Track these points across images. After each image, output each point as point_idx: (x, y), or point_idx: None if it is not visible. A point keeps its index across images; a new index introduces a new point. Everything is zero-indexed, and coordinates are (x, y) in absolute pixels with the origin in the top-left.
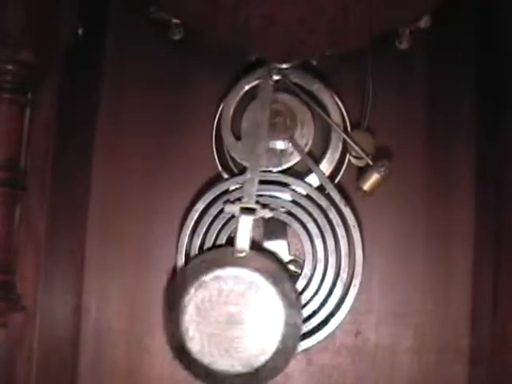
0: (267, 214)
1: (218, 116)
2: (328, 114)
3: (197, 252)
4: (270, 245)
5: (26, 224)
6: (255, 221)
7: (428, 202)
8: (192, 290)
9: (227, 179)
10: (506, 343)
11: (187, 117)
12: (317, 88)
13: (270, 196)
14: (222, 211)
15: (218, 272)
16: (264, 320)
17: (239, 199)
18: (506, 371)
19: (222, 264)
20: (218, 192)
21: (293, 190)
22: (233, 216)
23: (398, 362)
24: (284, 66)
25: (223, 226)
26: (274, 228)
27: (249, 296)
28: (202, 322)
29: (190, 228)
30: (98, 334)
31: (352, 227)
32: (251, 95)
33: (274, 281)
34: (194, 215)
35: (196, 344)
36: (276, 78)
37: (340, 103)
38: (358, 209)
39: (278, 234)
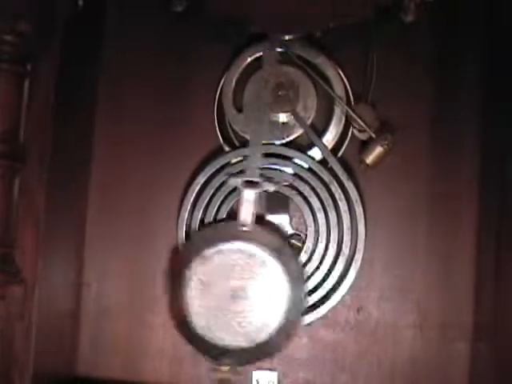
0: (270, 187)
1: (219, 88)
2: (331, 87)
3: (197, 226)
4: (271, 219)
5: (25, 197)
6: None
7: (432, 177)
8: (195, 265)
9: (229, 152)
10: (508, 319)
11: (189, 89)
12: (320, 61)
13: (272, 169)
14: (223, 184)
15: (221, 246)
16: (267, 295)
17: (242, 172)
18: (509, 348)
19: (225, 238)
20: (219, 165)
21: (295, 163)
22: (234, 189)
23: (400, 337)
24: (286, 37)
25: (224, 199)
26: (275, 202)
27: (252, 270)
28: (205, 296)
29: (191, 201)
30: (99, 309)
31: (354, 201)
32: (253, 67)
33: (278, 255)
34: (196, 188)
35: (199, 318)
36: (279, 50)
37: (343, 76)
38: (360, 183)
39: (280, 208)
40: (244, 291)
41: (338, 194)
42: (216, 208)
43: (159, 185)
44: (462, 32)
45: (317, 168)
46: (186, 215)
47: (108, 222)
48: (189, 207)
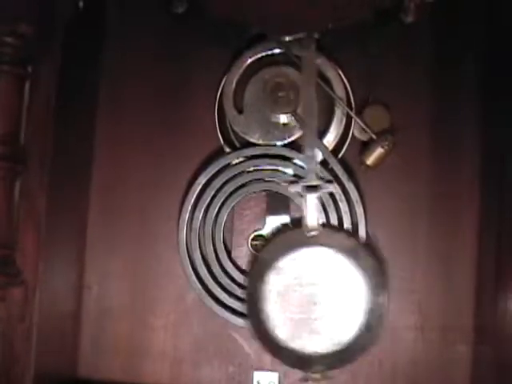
0: (330, 188)
1: (220, 89)
2: (331, 88)
3: (198, 226)
4: (272, 220)
5: (26, 200)
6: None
7: (432, 177)
8: (270, 278)
9: (229, 153)
10: (510, 321)
11: (189, 90)
12: (320, 62)
13: (273, 170)
14: (224, 185)
15: (293, 255)
16: (345, 297)
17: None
18: (510, 350)
19: (295, 246)
20: (220, 166)
21: (295, 164)
22: (234, 190)
23: (401, 339)
24: (286, 38)
25: (225, 200)
26: (276, 203)
27: (326, 274)
28: (283, 307)
29: (192, 202)
30: (100, 311)
31: (355, 202)
32: (254, 69)
33: (351, 255)
34: (196, 189)
35: (281, 330)
36: (278, 51)
37: (344, 77)
38: (361, 184)
39: (281, 209)
40: (320, 296)
41: (339, 194)
42: (217, 209)
43: (160, 186)
44: (462, 32)
45: (317, 169)
46: (186, 216)
47: (109, 223)
48: (189, 208)
